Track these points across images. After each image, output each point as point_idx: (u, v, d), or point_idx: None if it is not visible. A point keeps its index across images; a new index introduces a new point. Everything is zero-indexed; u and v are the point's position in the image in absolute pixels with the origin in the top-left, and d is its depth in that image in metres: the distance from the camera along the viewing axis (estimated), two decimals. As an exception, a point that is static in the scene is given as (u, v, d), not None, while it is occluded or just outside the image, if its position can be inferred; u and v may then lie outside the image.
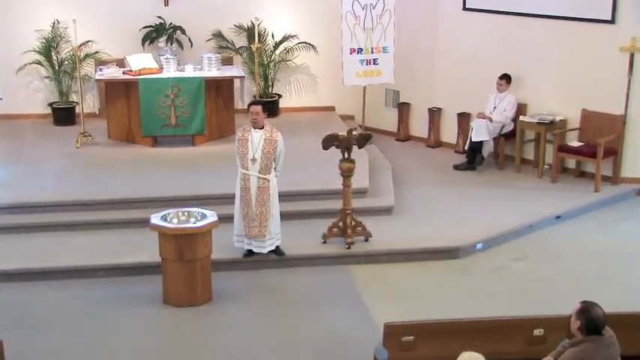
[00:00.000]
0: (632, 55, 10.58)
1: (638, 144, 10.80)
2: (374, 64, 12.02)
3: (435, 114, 12.55)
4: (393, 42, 12.00)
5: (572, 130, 11.15)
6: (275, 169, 8.45)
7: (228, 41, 13.02)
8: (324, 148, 8.85)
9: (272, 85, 13.26)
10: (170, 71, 11.65)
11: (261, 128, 8.37)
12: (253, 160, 8.32)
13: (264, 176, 8.37)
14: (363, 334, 7.25)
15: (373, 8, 11.83)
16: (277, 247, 8.67)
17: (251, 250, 8.61)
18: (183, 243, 7.72)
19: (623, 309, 6.45)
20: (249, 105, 8.53)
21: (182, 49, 12.90)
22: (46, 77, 12.85)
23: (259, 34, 12.41)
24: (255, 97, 12.63)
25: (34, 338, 7.29)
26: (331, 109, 13.44)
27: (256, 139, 8.33)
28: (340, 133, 8.86)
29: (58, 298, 8.03)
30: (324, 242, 8.99)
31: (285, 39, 13.08)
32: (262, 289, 8.28)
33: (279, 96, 13.32)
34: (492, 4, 11.71)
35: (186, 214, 7.98)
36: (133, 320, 7.64)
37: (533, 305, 7.71)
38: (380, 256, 8.91)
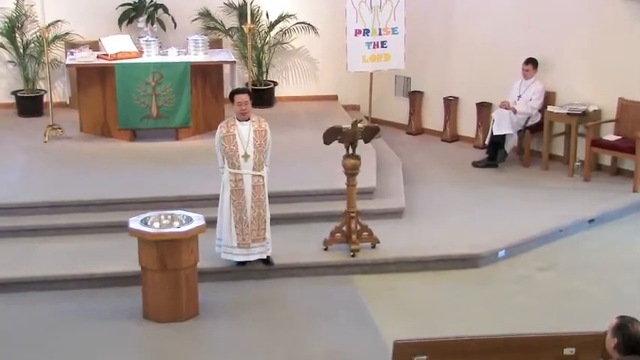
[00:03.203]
0: (675, 37, 10.63)
1: (683, 138, 10.84)
2: (382, 47, 12.01)
3: (451, 104, 12.56)
4: (404, 22, 12.00)
5: (608, 121, 11.17)
6: (265, 163, 8.46)
7: (216, 21, 13.03)
8: (325, 143, 8.85)
9: (266, 72, 13.27)
10: (151, 55, 11.66)
11: (247, 120, 8.37)
12: (245, 156, 8.32)
13: (259, 173, 8.38)
14: (369, 353, 7.26)
15: (381, -16, 11.85)
16: (267, 255, 8.67)
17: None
18: (166, 250, 7.73)
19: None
20: (233, 94, 8.49)
21: (164, 30, 12.91)
22: (10, 62, 12.86)
23: (252, 14, 12.41)
24: (246, 84, 12.63)
25: (-4, 358, 7.30)
26: (333, 98, 13.45)
27: (244, 132, 8.33)
28: (344, 126, 8.87)
29: (23, 313, 8.03)
30: (326, 249, 8.99)
31: (281, 19, 13.09)
32: (255, 303, 8.28)
33: (275, 83, 13.32)
34: (516, -21, 11.76)
35: (169, 217, 7.99)
36: (109, 337, 7.63)
37: (564, 321, 7.72)
38: (388, 264, 8.91)
